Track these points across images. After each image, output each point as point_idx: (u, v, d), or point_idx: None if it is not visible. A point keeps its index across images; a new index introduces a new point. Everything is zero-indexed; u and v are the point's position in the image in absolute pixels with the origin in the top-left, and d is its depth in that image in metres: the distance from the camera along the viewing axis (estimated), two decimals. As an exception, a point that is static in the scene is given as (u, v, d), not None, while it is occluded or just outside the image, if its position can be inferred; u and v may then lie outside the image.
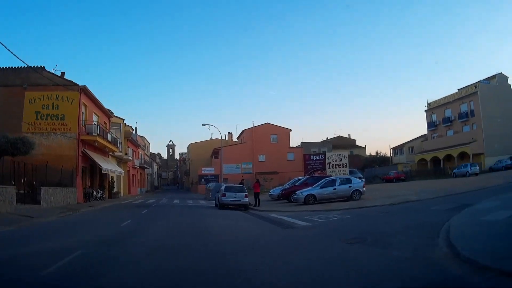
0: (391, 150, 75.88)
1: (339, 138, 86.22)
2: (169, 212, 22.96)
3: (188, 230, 13.66)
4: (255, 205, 25.26)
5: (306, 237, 11.72)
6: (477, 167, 41.60)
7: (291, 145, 65.40)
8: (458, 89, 59.10)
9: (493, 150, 49.44)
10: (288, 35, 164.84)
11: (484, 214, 11.06)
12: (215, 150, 64.44)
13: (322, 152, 49.49)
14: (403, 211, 15.88)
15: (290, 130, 64.79)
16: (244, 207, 24.77)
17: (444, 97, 61.64)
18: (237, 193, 25.03)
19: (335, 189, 23.65)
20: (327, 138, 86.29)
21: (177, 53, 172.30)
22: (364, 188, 24.26)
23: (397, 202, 19.17)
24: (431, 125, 64.24)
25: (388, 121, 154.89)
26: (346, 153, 37.00)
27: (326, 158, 34.73)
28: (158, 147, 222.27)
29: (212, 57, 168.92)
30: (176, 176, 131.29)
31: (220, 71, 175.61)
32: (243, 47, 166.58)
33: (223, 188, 26.25)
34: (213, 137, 76.98)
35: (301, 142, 71.88)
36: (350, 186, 23.76)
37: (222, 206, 24.61)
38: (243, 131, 68.15)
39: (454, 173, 43.70)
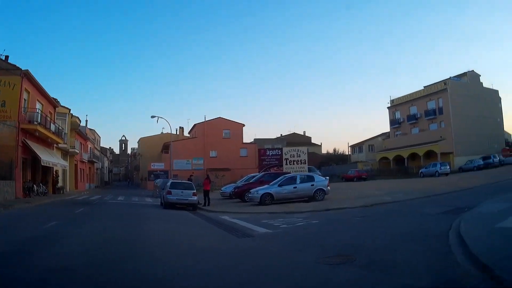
0: (349, 148, 76.37)
1: (294, 135, 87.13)
2: (106, 211, 21.00)
3: (118, 238, 11.07)
4: (204, 205, 23.60)
5: (269, 252, 8.85)
6: (448, 167, 41.06)
7: (244, 141, 63.87)
8: (424, 86, 59.38)
9: (463, 150, 49.55)
10: (243, 29, 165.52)
11: (497, 220, 9.11)
12: (165, 145, 62.69)
13: (279, 147, 47.74)
14: (384, 216, 13.93)
15: (244, 125, 64.67)
16: (192, 207, 23.18)
17: (409, 94, 61.69)
18: (184, 191, 23.45)
19: (296, 187, 22.07)
20: (281, 135, 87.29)
21: (131, 45, 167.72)
22: (329, 187, 22.87)
23: (370, 203, 17.84)
24: (394, 122, 64.04)
25: (347, 119, 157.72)
26: (305, 148, 35.34)
27: (283, 154, 33.21)
28: (111, 142, 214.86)
29: (166, 51, 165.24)
30: (127, 171, 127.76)
31: (174, 64, 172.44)
32: (197, 41, 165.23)
33: (168, 184, 24.72)
34: (165, 132, 75.83)
35: (254, 139, 72.77)
36: (312, 185, 22.25)
37: (168, 205, 23.10)
38: (194, 125, 67.36)
39: (421, 172, 43.10)
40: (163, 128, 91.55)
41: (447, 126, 52.01)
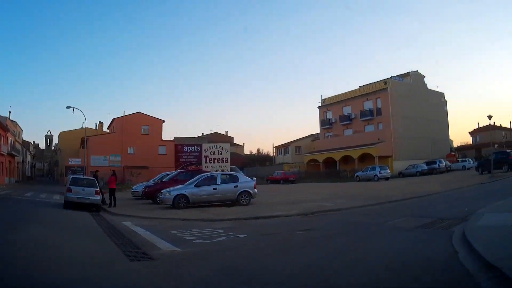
0: (274, 149, 74.69)
1: (216, 134, 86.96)
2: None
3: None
4: (110, 205, 21.45)
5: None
6: (388, 171, 39.86)
7: (164, 138, 62.91)
8: (360, 86, 58.01)
9: (403, 154, 48.85)
10: (165, 26, 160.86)
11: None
12: (83, 140, 59.51)
13: (198, 143, 46.13)
14: (341, 230, 11.09)
15: (163, 121, 63.42)
16: (95, 207, 20.99)
17: (342, 93, 60.34)
18: (86, 189, 21.21)
19: (216, 189, 19.73)
20: (202, 134, 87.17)
21: (60, 37, 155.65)
22: (256, 190, 20.51)
23: (309, 211, 15.60)
24: (325, 123, 62.49)
25: (274, 120, 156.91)
26: (227, 145, 32.63)
27: (203, 151, 30.25)
28: (37, 137, 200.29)
29: (90, 46, 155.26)
30: (50, 167, 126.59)
31: (98, 57, 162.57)
32: (120, 38, 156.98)
33: (69, 180, 22.47)
34: (85, 126, 72.27)
35: (175, 137, 72.01)
36: (236, 186, 19.99)
37: (68, 204, 20.90)
38: (113, 120, 65.64)
39: (357, 176, 41.65)
40: (83, 122, 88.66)
41: (386, 128, 50.98)
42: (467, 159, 49.13)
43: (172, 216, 16.13)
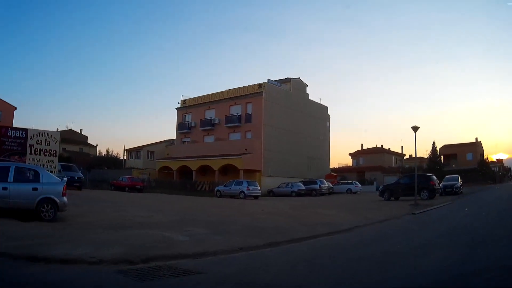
0: (125, 151, 67.94)
1: (70, 131, 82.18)
2: None
3: None
4: None
5: None
6: (258, 188, 33.69)
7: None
8: (227, 89, 51.44)
9: (274, 170, 43.76)
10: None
11: None
12: None
13: (25, 128, 36.45)
14: None
15: (15, 108, 57.33)
16: None
17: (207, 95, 53.32)
18: None
19: (6, 189, 12.59)
20: (57, 129, 79.43)
21: None
22: (65, 198, 13.36)
23: (142, 254, 7.98)
24: (183, 127, 55.18)
25: (131, 121, 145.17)
26: (57, 134, 25.16)
27: (29, 138, 22.58)
28: None
29: None
30: None
31: None
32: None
33: None
34: None
35: (29, 129, 62.35)
36: (36, 189, 12.94)
37: None
38: None
39: (218, 191, 35.07)
40: None
41: (256, 138, 44.93)
42: (353, 182, 46.45)
43: None
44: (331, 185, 42.80)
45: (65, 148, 74.78)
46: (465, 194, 31.65)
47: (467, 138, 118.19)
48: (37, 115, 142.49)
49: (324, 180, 42.29)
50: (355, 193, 42.86)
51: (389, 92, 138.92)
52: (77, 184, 31.68)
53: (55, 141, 24.38)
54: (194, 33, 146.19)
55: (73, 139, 75.99)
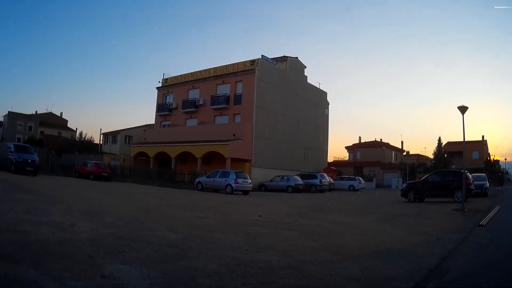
0: (101, 135, 63.08)
1: (50, 115, 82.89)
2: None
3: None
4: None
5: None
6: (249, 181, 27.93)
7: None
8: (215, 67, 45.18)
9: (265, 160, 38.65)
10: None
11: None
12: None
13: None
14: None
15: None
16: None
17: (192, 73, 47.13)
18: None
19: None
20: (36, 112, 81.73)
21: None
22: None
23: None
24: (163, 108, 49.06)
25: (111, 103, 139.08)
26: None
27: None
28: None
29: None
30: None
31: None
32: None
33: None
34: None
35: (9, 112, 70.35)
36: None
37: None
38: None
39: (199, 182, 29.21)
40: None
41: (246, 122, 39.01)
42: (356, 177, 42.02)
43: None
44: (332, 181, 38.13)
45: (44, 132, 71.07)
46: (492, 196, 26.86)
47: (472, 136, 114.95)
48: (18, 97, 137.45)
49: (325, 175, 37.39)
50: (357, 190, 38.32)
51: (387, 87, 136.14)
52: (30, 169, 27.54)
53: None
54: (182, 5, 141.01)
55: (51, 122, 76.67)
